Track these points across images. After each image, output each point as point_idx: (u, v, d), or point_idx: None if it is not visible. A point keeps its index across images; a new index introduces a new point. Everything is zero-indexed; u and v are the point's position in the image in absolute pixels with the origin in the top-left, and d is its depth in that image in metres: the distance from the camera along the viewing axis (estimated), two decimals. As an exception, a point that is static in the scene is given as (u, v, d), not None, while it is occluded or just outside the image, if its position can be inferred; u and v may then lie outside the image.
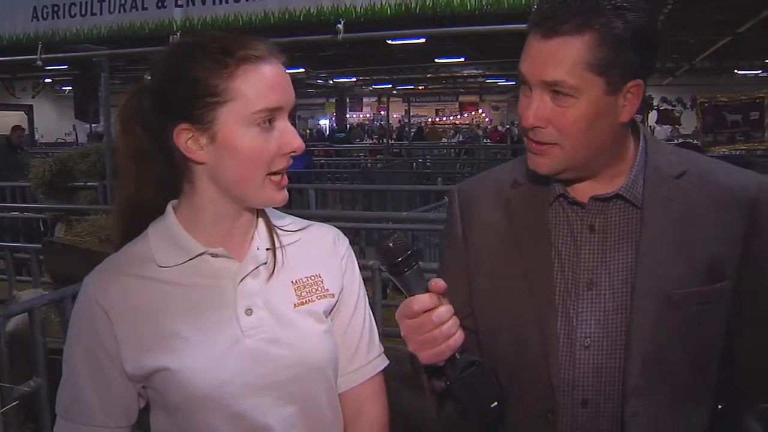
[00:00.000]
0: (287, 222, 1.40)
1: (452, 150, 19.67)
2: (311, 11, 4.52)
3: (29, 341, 3.44)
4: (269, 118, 1.22)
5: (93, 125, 14.33)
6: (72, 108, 13.78)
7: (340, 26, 4.37)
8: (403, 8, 4.25)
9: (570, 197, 1.37)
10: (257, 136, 1.22)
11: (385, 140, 21.97)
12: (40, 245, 5.70)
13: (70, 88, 23.10)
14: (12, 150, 11.04)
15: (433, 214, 6.18)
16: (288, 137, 1.24)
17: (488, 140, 24.55)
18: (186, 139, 1.23)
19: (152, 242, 1.30)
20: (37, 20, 5.43)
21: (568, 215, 1.38)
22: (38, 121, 26.99)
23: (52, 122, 25.24)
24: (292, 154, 1.26)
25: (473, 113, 36.56)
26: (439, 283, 1.22)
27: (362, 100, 36.00)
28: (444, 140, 25.50)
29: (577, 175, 1.34)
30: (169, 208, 1.32)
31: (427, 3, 4.20)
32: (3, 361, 2.97)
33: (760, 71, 22.00)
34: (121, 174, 1.33)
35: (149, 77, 1.30)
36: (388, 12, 4.29)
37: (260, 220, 1.35)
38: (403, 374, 1.47)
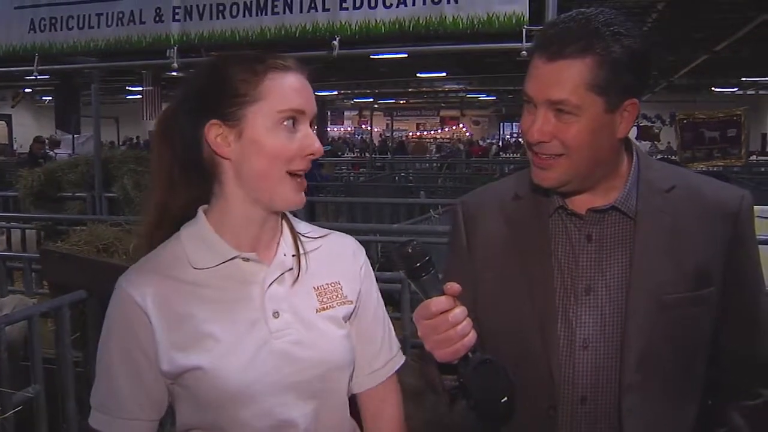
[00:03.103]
0: (308, 229, 1.48)
1: (434, 164, 19.78)
2: (307, 28, 4.61)
3: (17, 350, 3.49)
4: (292, 119, 1.32)
5: (75, 135, 14.25)
6: (51, 118, 13.72)
7: (336, 43, 4.46)
8: (396, 26, 4.34)
9: (568, 209, 1.47)
10: (280, 134, 1.31)
11: (367, 154, 22.03)
12: (30, 254, 5.73)
13: (50, 98, 23.00)
14: (34, 160, 10.98)
15: (421, 227, 6.26)
16: (309, 140, 1.33)
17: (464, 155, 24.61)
18: (216, 135, 1.32)
19: (186, 244, 1.36)
20: (35, 32, 5.47)
21: (567, 226, 1.47)
22: (17, 130, 26.81)
23: (31, 132, 25.13)
24: (311, 157, 1.34)
25: (454, 128, 36.76)
26: (454, 286, 1.31)
27: (343, 113, 36.10)
28: (428, 155, 25.63)
29: (577, 188, 1.44)
30: (200, 212, 1.39)
31: (420, 21, 4.30)
32: (2, 368, 3.00)
33: (735, 89, 22.39)
34: (155, 180, 1.41)
35: (186, 84, 1.40)
36: (383, 29, 4.38)
37: (285, 226, 1.43)
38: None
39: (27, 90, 24.42)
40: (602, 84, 1.33)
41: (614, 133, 1.39)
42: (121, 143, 21.93)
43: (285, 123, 1.31)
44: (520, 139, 32.11)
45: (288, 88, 1.32)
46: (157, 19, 5.05)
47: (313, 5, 4.63)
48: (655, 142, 19.80)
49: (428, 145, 30.44)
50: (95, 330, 3.50)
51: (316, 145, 1.34)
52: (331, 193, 10.96)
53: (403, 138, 32.41)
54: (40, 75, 5.58)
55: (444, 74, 19.66)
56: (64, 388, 3.39)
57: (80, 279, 3.49)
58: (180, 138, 1.36)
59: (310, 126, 1.36)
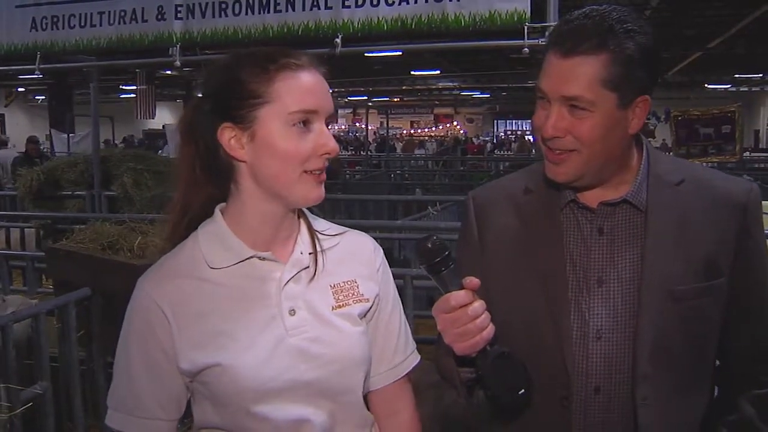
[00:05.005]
0: (326, 227, 1.49)
1: (429, 161, 19.82)
2: (309, 25, 4.64)
3: (20, 349, 3.49)
4: (305, 119, 1.31)
5: (70, 135, 14.22)
6: (45, 117, 13.63)
7: (338, 41, 4.48)
8: (399, 24, 4.37)
9: (580, 203, 1.49)
10: (293, 135, 1.30)
11: (362, 152, 22.05)
12: (33, 253, 5.73)
13: (43, 97, 22.97)
14: (30, 161, 10.97)
15: (422, 223, 6.30)
16: (323, 139, 1.32)
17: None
18: (229, 138, 1.32)
19: (203, 244, 1.38)
20: (36, 31, 5.47)
21: (578, 219, 1.50)
22: (10, 130, 26.72)
23: (24, 131, 25.04)
24: (326, 156, 1.34)
25: (448, 125, 36.81)
26: (473, 280, 1.33)
27: (337, 111, 36.06)
28: (422, 151, 25.73)
29: (589, 183, 1.46)
30: (217, 210, 1.40)
31: (423, 19, 4.32)
32: (10, 365, 3.02)
33: (729, 85, 22.50)
34: (179, 178, 1.41)
35: (203, 84, 1.40)
36: (385, 27, 4.40)
37: (302, 224, 1.44)
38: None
39: (20, 89, 24.38)
40: (616, 80, 1.35)
41: (626, 129, 1.42)
42: (120, 142, 21.82)
43: (297, 124, 1.30)
44: (511, 137, 32.33)
45: (300, 88, 1.31)
46: (160, 17, 5.06)
47: (315, 3, 4.65)
48: (650, 139, 19.85)
49: (419, 141, 30.58)
50: (100, 327, 3.52)
51: (331, 144, 1.33)
52: (328, 191, 10.99)
53: (397, 135, 32.48)
54: (42, 74, 5.58)
55: (438, 72, 19.70)
56: (71, 386, 3.40)
57: (85, 276, 3.51)
58: (200, 138, 1.37)
59: (327, 123, 1.36)
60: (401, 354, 1.52)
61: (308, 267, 1.40)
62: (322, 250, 1.43)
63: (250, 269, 1.37)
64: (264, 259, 1.37)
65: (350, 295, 1.43)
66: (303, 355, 1.34)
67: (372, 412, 1.50)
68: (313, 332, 1.36)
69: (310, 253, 1.42)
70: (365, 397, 1.47)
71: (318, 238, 1.44)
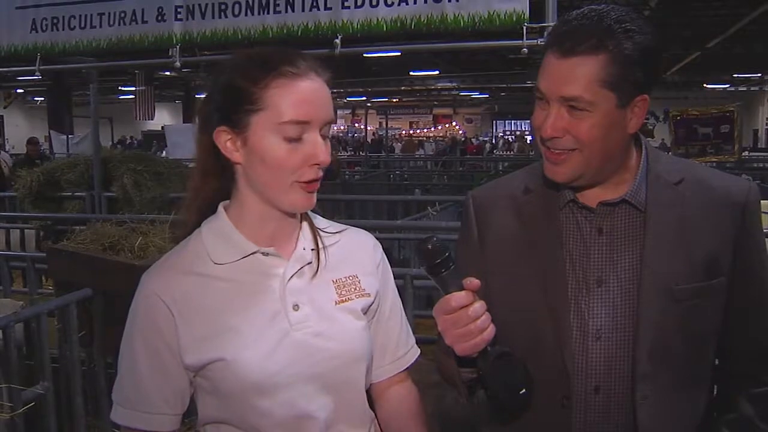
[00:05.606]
0: (326, 224, 1.51)
1: (428, 162, 19.84)
2: (309, 26, 4.64)
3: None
4: (297, 130, 1.31)
5: (69, 136, 14.22)
6: (43, 119, 13.65)
7: (338, 41, 4.49)
8: (398, 24, 4.37)
9: (579, 202, 1.49)
10: (283, 145, 1.31)
11: (362, 153, 22.07)
12: (33, 254, 5.73)
13: (42, 99, 23.00)
14: (31, 162, 11.01)
15: (422, 222, 6.31)
16: (314, 150, 1.32)
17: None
18: (225, 140, 1.34)
19: (206, 240, 1.39)
20: (36, 32, 5.47)
21: (578, 219, 1.50)
22: (9, 131, 26.75)
23: (23, 133, 25.06)
24: (317, 167, 1.34)
25: (447, 126, 36.84)
26: (474, 281, 1.34)
27: (336, 111, 36.12)
28: (421, 152, 25.79)
29: (589, 182, 1.47)
30: (221, 208, 1.42)
31: (422, 20, 4.33)
32: (13, 365, 3.03)
33: (727, 85, 22.51)
34: (195, 165, 1.43)
35: (211, 82, 1.41)
36: (384, 28, 4.41)
37: (304, 221, 1.46)
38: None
39: (19, 90, 24.40)
40: (614, 80, 1.36)
41: (625, 129, 1.42)
42: (116, 143, 21.81)
43: (287, 134, 1.30)
44: (509, 138, 32.39)
45: (293, 98, 1.30)
46: (159, 18, 5.06)
47: (315, 4, 4.65)
48: (648, 139, 19.87)
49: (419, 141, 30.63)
50: (101, 328, 3.52)
51: (321, 156, 1.32)
52: (328, 191, 10.99)
53: (396, 136, 32.52)
54: (41, 75, 5.58)
55: (437, 72, 19.72)
56: (72, 386, 3.41)
57: (86, 277, 3.52)
58: (209, 136, 1.38)
59: (325, 131, 1.35)
60: (403, 347, 1.55)
61: (311, 263, 1.42)
62: (324, 247, 1.45)
63: (254, 265, 1.38)
64: (267, 254, 1.39)
65: (352, 290, 1.45)
66: (306, 349, 1.36)
67: (376, 405, 1.52)
68: (317, 327, 1.37)
69: (312, 249, 1.43)
70: (367, 392, 1.49)
71: (319, 235, 1.46)
